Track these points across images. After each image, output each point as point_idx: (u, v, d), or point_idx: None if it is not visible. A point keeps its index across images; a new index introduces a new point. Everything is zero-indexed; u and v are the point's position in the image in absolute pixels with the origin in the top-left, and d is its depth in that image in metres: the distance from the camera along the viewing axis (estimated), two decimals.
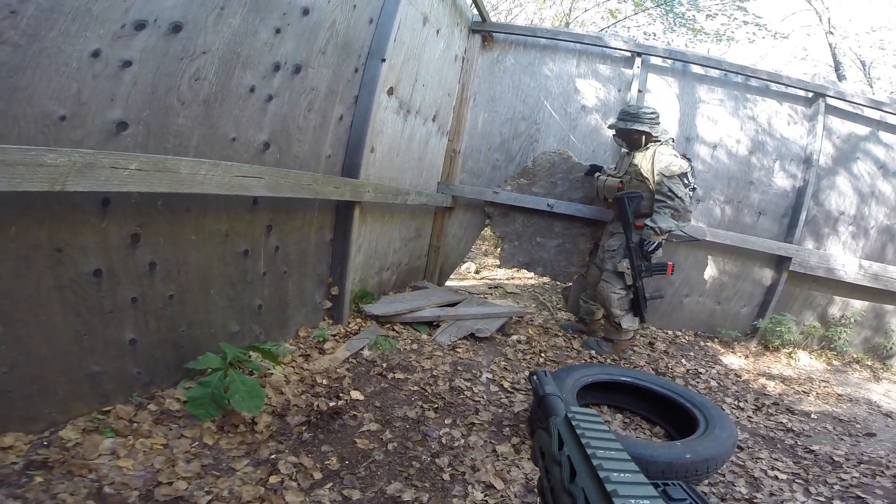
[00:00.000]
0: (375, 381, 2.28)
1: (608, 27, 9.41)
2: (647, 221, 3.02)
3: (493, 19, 4.57)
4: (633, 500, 0.32)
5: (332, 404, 1.98)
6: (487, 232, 8.07)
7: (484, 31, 3.87)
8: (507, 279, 5.38)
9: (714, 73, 3.95)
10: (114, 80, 1.28)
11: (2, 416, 1.26)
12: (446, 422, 2.05)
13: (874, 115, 3.91)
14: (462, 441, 1.92)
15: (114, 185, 1.23)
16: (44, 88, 1.13)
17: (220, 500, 1.34)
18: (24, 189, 1.04)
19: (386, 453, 1.76)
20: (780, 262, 3.89)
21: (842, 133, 3.92)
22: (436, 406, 2.16)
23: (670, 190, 2.94)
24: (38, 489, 1.19)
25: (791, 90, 3.90)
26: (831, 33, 8.96)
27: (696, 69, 3.95)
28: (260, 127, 1.85)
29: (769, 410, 2.76)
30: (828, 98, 3.83)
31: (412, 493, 1.55)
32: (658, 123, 3.14)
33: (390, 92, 2.72)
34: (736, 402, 2.80)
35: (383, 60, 2.43)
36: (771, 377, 3.38)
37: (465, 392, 2.36)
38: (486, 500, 1.59)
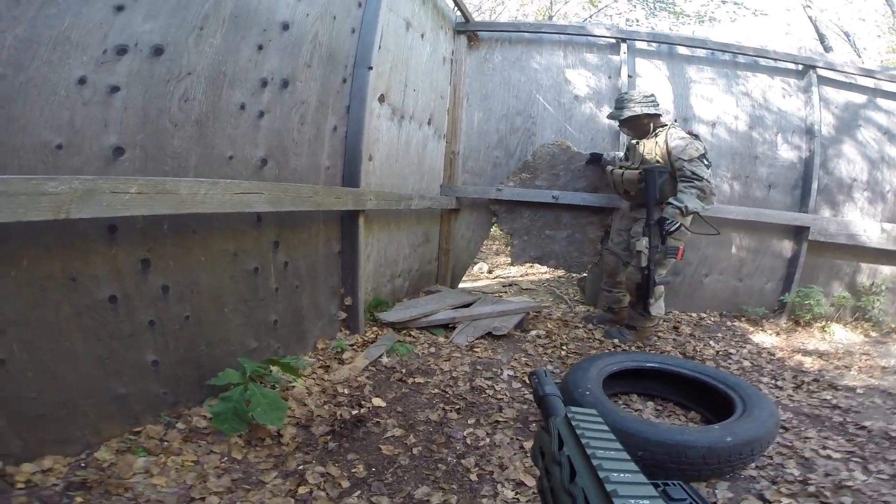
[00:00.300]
0: (396, 387, 2.27)
1: (590, 17, 9.52)
2: (672, 200, 2.87)
3: (477, 18, 4.61)
4: (632, 500, 0.32)
5: (354, 412, 1.98)
6: (497, 232, 8.07)
7: (469, 31, 3.90)
8: (521, 276, 5.34)
9: (700, 52, 3.95)
10: (104, 105, 1.31)
11: (38, 440, 1.30)
12: (469, 422, 2.02)
13: (868, 83, 3.91)
14: (487, 440, 1.89)
15: (116, 209, 1.26)
16: (37, 118, 1.17)
17: None
18: (28, 219, 1.07)
19: (411, 458, 1.74)
20: (798, 233, 3.81)
21: (839, 102, 3.90)
22: (458, 407, 2.14)
23: (693, 173, 2.83)
24: None
25: (780, 64, 3.90)
26: (809, 7, 8.91)
27: (683, 50, 3.96)
28: (255, 143, 1.88)
29: (810, 387, 2.63)
30: (818, 69, 3.84)
31: (440, 497, 1.53)
32: (659, 104, 3.07)
33: (381, 99, 2.73)
34: (773, 382, 2.69)
35: (370, 68, 2.44)
36: (807, 353, 3.25)
37: (487, 391, 2.33)
38: (518, 498, 1.56)
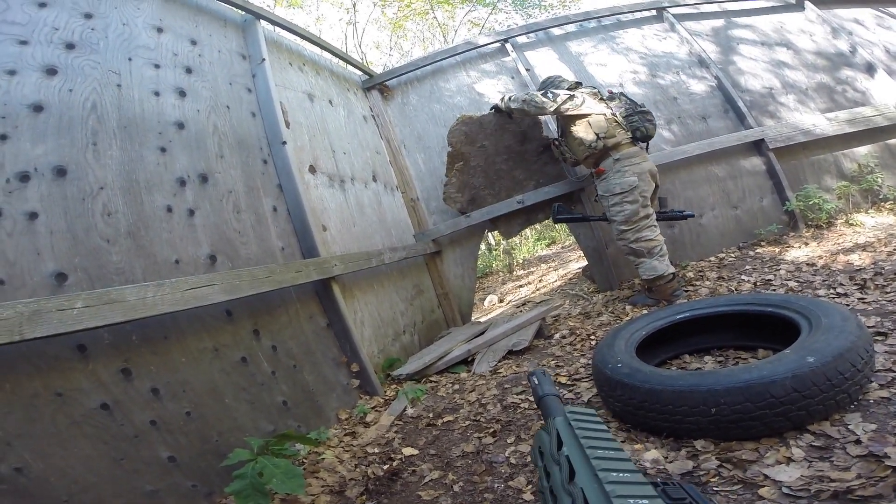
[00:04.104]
0: (426, 433, 2.17)
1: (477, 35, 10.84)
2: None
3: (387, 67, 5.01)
4: (631, 500, 0.32)
5: (385, 467, 1.90)
6: (497, 264, 8.01)
7: (376, 85, 4.16)
8: (532, 293, 5.23)
9: (571, 28, 4.32)
10: (29, 234, 1.41)
11: None
12: (509, 441, 1.90)
13: (713, 8, 4.38)
14: None
15: (68, 325, 1.32)
16: None
17: None
18: None
19: (453, 496, 1.63)
20: (758, 147, 3.87)
21: (707, 31, 4.29)
22: (492, 430, 2.02)
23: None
24: None
25: (638, 14, 4.32)
26: None
27: (556, 31, 4.32)
28: (197, 242, 1.95)
29: (877, 283, 2.38)
30: (669, 9, 4.25)
31: None
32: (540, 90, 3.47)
33: (312, 170, 2.85)
34: (832, 291, 2.46)
35: (284, 143, 2.55)
36: (849, 251, 3.05)
37: (521, 405, 2.21)
38: None
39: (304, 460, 1.99)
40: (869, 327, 1.89)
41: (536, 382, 0.59)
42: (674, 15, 4.27)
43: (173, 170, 1.98)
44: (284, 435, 1.89)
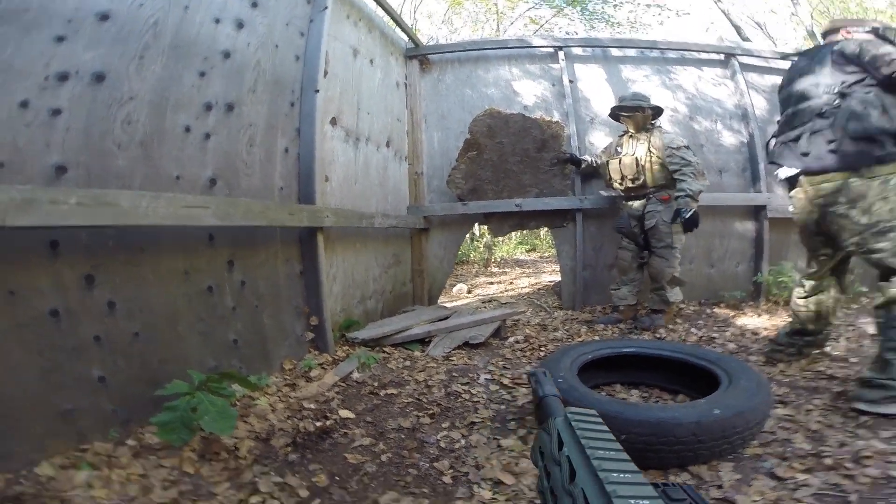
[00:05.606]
0: (367, 400, 2.25)
1: (533, 34, 10.33)
2: (679, 192, 3.20)
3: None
4: (632, 501, 0.32)
5: (318, 424, 1.93)
6: (475, 255, 8.09)
7: (419, 56, 4.11)
8: (500, 292, 5.37)
9: (631, 52, 4.24)
10: (46, 127, 1.39)
11: None
12: (444, 425, 2.01)
13: (784, 65, 4.20)
14: (463, 441, 1.88)
15: (55, 219, 1.29)
16: None
17: None
18: None
19: (379, 465, 1.71)
20: (757, 213, 3.95)
21: (765, 86, 4.20)
22: (431, 412, 2.12)
23: (683, 158, 3.23)
24: None
25: (704, 55, 4.24)
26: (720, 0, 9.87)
27: (615, 52, 4.25)
28: (203, 164, 1.96)
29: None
30: (738, 57, 4.17)
31: (410, 501, 1.50)
32: None
33: (333, 122, 2.84)
34: (762, 360, 2.67)
35: (317, 91, 2.57)
36: None
37: (463, 395, 2.33)
38: (496, 498, 1.52)
39: (237, 402, 1.96)
40: (776, 395, 2.09)
41: (537, 383, 0.58)
42: (741, 64, 4.16)
43: (205, 94, 1.98)
44: (226, 374, 1.85)
